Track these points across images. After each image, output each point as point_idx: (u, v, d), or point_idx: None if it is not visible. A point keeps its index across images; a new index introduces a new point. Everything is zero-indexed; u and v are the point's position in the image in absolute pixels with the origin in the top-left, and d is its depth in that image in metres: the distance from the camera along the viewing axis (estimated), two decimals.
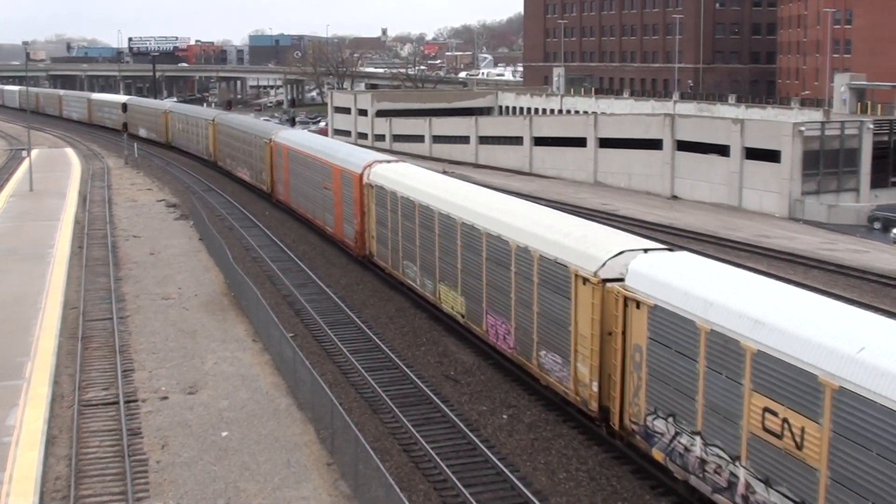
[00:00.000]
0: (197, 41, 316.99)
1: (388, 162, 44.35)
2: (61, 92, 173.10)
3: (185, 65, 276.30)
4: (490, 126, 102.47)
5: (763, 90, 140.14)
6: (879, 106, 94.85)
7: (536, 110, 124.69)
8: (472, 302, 32.14)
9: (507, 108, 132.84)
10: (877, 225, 63.14)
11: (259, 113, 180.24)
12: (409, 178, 40.03)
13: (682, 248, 40.08)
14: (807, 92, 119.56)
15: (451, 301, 34.00)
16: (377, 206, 41.91)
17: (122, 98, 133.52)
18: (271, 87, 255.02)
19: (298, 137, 60.84)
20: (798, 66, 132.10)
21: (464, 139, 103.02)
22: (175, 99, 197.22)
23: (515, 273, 28.67)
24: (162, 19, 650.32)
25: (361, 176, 43.88)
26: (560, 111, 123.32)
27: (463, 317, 33.12)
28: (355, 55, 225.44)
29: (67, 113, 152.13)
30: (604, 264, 23.96)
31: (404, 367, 31.29)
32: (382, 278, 42.89)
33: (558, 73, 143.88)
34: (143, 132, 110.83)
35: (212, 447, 25.04)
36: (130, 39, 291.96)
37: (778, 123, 73.51)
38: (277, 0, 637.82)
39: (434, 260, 35.39)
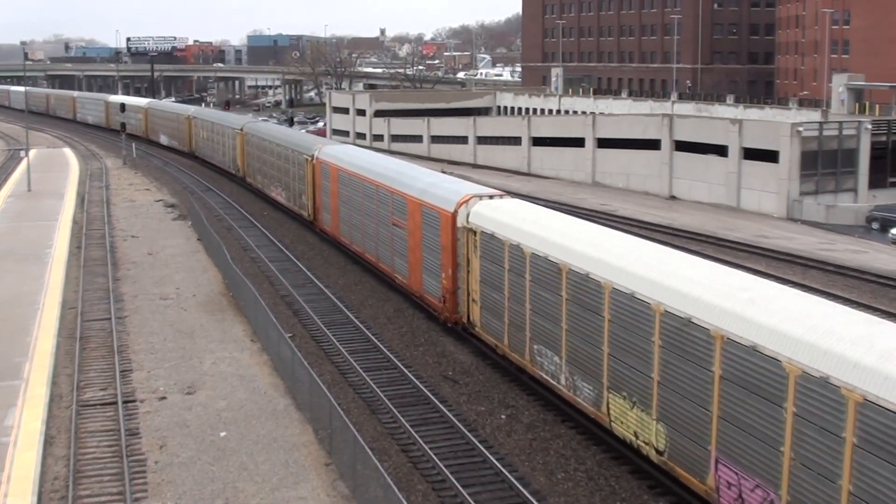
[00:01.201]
0: (195, 41, 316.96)
1: (492, 198, 33.43)
2: (75, 93, 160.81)
3: (183, 65, 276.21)
4: (488, 126, 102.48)
5: (761, 90, 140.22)
6: (877, 106, 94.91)
7: (535, 110, 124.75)
8: (682, 434, 21.25)
9: (506, 108, 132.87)
10: (875, 225, 63.17)
11: (257, 113, 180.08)
12: (539, 225, 28.81)
13: (682, 248, 40.12)
14: (805, 92, 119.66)
15: (633, 423, 23.12)
16: (483, 260, 31.27)
17: (142, 101, 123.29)
18: (269, 87, 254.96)
19: (352, 156, 49.09)
20: (796, 67, 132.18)
21: (462, 139, 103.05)
22: (173, 99, 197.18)
23: (794, 415, 17.98)
24: (160, 19, 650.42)
25: (454, 216, 33.24)
26: (558, 111, 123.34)
27: (659, 453, 22.16)
28: (353, 55, 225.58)
29: (82, 116, 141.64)
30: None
31: (402, 368, 31.29)
32: (382, 279, 42.84)
33: (556, 74, 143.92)
34: (164, 139, 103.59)
35: (210, 447, 25.03)
36: (129, 39, 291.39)
37: (776, 124, 73.54)
38: (276, 0, 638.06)
39: (599, 355, 24.36)
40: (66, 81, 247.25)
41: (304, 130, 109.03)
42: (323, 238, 52.39)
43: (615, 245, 25.57)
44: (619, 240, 26.35)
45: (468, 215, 32.45)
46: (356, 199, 44.86)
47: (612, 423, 23.98)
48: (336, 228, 48.74)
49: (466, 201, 33.04)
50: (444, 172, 51.87)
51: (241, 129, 72.99)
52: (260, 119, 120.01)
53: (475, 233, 31.71)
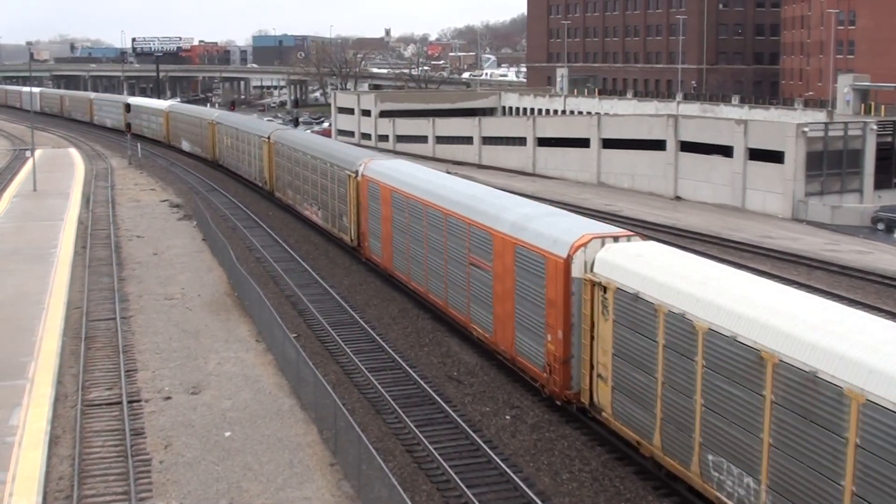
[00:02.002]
0: (200, 41, 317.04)
1: (620, 239, 26.02)
2: (92, 95, 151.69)
3: (188, 65, 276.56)
4: (493, 127, 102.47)
5: (766, 91, 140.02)
6: (883, 107, 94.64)
7: (540, 111, 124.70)
8: None
9: (511, 108, 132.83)
10: (880, 226, 63.07)
11: (262, 113, 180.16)
12: (716, 289, 21.06)
13: (684, 248, 40.06)
14: (810, 93, 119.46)
15: None
16: (619, 326, 23.61)
17: (163, 104, 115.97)
18: (275, 87, 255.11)
19: (409, 174, 41.13)
20: (802, 67, 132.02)
21: (467, 140, 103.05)
22: (178, 99, 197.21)
23: None
24: (165, 20, 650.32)
25: (568, 263, 25.60)
26: (563, 112, 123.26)
27: None
28: (359, 56, 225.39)
29: (100, 119, 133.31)
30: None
31: (407, 368, 31.29)
32: (386, 279, 42.77)
33: (562, 74, 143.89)
34: (186, 145, 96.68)
35: (215, 447, 25.05)
36: (134, 40, 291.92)
37: (781, 124, 73.47)
38: (281, 1, 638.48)
39: (834, 492, 17.19)
40: (71, 82, 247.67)
41: (309, 131, 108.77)
42: (371, 267, 44.68)
43: (862, 327, 17.89)
44: (867, 322, 18.37)
45: (591, 263, 25.10)
46: (416, 227, 37.34)
47: None
48: (388, 259, 41.08)
49: (585, 244, 25.51)
50: (449, 173, 51.43)
51: (269, 138, 65.50)
52: (266, 119, 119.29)
53: (606, 289, 24.01)
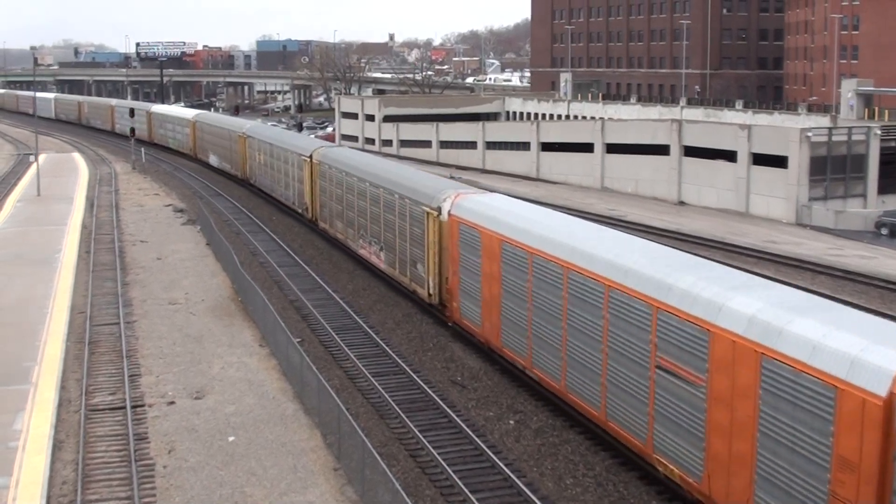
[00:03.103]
0: (204, 46, 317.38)
1: None
2: (114, 102, 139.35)
3: (192, 70, 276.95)
4: (497, 131, 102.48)
5: (770, 96, 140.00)
6: (887, 111, 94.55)
7: (543, 115, 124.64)
8: None
9: (515, 113, 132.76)
10: (884, 231, 62.98)
11: (266, 118, 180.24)
12: None
13: (690, 253, 40.01)
14: (814, 97, 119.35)
15: None
16: None
17: (189, 113, 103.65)
18: (278, 92, 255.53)
19: (526, 218, 30.62)
20: (805, 72, 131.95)
21: (471, 144, 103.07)
22: (182, 104, 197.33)
23: None
24: (169, 25, 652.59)
25: (892, 403, 16.08)
26: (567, 116, 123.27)
27: None
28: (362, 60, 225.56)
29: (122, 128, 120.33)
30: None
31: (411, 373, 31.27)
32: (389, 283, 42.77)
33: (565, 79, 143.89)
34: (213, 160, 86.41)
35: (218, 452, 25.04)
36: (138, 44, 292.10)
37: (785, 129, 73.42)
38: (285, 6, 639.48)
39: None
40: (75, 86, 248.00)
41: (312, 136, 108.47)
42: (464, 336, 34.57)
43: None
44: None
45: None
46: (548, 297, 27.25)
47: None
48: (494, 332, 31.09)
49: None
50: (453, 178, 51.12)
51: (311, 157, 54.76)
52: (282, 125, 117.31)
53: None
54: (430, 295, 36.98)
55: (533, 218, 30.57)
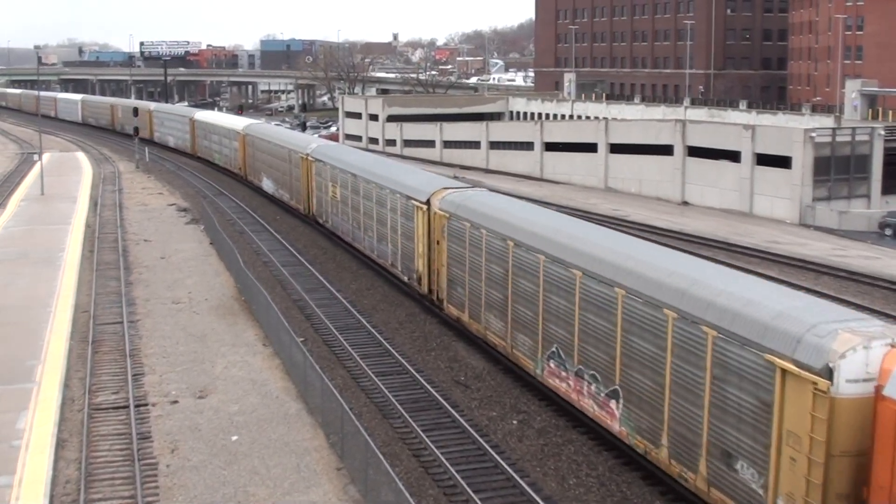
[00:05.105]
0: (208, 45, 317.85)
1: None
2: (153, 106, 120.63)
3: (196, 69, 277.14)
4: (501, 131, 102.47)
5: (774, 96, 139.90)
6: (891, 112, 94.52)
7: (547, 115, 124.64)
8: None
9: (518, 113, 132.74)
10: (888, 231, 62.89)
11: (270, 117, 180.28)
12: None
13: (694, 254, 40.01)
14: (818, 98, 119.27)
15: None
16: None
17: (238, 123, 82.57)
18: (282, 91, 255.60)
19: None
20: (809, 72, 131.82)
21: (474, 144, 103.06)
22: (186, 103, 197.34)
23: None
24: (173, 24, 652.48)
25: None
26: (571, 116, 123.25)
27: None
28: (366, 60, 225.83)
29: (161, 136, 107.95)
30: None
31: (414, 372, 31.27)
32: (393, 283, 42.75)
33: (569, 79, 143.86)
34: (267, 185, 68.57)
35: (222, 451, 25.05)
36: (142, 44, 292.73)
37: (789, 129, 73.35)
38: (289, 5, 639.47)
39: None
40: (79, 85, 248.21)
41: (316, 135, 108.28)
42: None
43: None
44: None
45: None
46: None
47: None
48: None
49: None
50: (456, 178, 51.11)
51: (428, 202, 36.89)
52: (286, 125, 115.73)
53: None
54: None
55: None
